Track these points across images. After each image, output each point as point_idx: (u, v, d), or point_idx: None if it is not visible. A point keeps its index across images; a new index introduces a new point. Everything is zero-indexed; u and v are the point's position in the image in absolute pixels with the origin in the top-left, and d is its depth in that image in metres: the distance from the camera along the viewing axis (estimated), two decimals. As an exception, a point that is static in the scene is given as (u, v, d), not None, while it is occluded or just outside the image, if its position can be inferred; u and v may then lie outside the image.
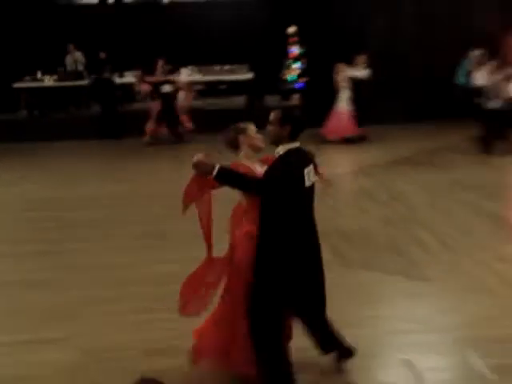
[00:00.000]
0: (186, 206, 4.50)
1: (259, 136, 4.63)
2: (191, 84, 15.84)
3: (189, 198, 4.50)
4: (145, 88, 15.38)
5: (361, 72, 13.94)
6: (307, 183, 4.35)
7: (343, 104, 13.91)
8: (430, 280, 6.54)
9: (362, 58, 13.95)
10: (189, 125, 14.94)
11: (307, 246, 4.45)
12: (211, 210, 4.58)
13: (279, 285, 4.33)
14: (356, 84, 13.85)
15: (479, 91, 12.93)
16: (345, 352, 4.78)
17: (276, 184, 4.22)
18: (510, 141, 12.42)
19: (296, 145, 4.39)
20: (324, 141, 13.70)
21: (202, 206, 4.55)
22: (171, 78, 14.96)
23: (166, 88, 14.73)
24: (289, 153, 4.35)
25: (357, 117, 13.89)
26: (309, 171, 4.38)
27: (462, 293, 6.18)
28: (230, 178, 4.35)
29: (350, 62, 14.06)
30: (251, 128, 4.65)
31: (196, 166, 4.38)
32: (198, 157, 4.38)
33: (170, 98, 14.80)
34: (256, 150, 4.63)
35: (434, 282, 6.50)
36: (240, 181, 4.35)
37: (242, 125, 4.68)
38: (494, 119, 12.39)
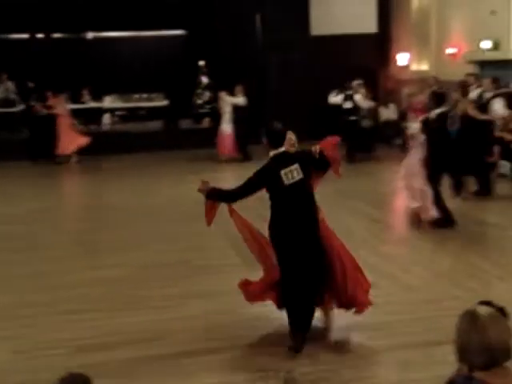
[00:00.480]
0: (209, 221, 5.13)
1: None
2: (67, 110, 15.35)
3: (208, 216, 5.11)
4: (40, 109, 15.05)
5: (239, 99, 14.25)
6: (286, 182, 4.76)
7: (225, 126, 14.17)
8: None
9: (239, 88, 14.28)
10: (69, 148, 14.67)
11: (293, 232, 4.80)
12: (245, 221, 5.19)
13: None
14: (236, 109, 14.21)
15: (354, 112, 13.71)
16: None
17: (253, 183, 4.87)
18: (376, 153, 13.43)
19: (280, 150, 4.83)
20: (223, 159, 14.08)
21: (237, 225, 5.19)
22: (50, 103, 14.77)
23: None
24: (272, 157, 4.86)
25: (240, 138, 14.13)
26: (287, 172, 4.76)
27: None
28: (216, 196, 4.99)
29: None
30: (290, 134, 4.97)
31: (199, 191, 4.98)
32: (199, 185, 4.96)
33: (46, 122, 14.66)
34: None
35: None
36: (222, 196, 5.05)
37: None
38: (364, 135, 13.31)
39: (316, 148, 4.93)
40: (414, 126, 8.42)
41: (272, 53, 16.55)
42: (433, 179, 8.04)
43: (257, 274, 6.67)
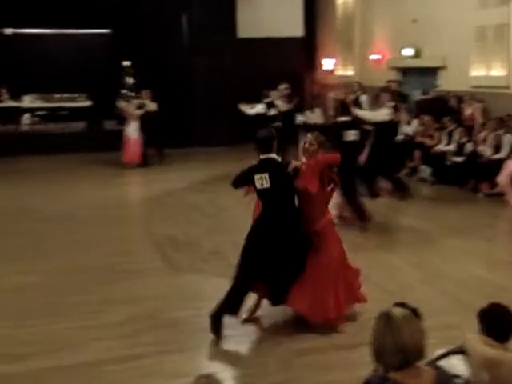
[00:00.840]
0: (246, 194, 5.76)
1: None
2: None
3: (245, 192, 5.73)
4: None
5: (150, 105, 14.25)
6: (258, 186, 5.19)
7: (132, 131, 14.01)
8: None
9: (146, 93, 14.27)
10: None
11: (263, 233, 5.24)
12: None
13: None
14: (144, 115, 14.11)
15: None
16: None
17: (238, 178, 5.43)
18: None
19: (266, 156, 5.23)
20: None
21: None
22: None
23: None
24: (258, 161, 5.27)
25: (152, 144, 14.06)
26: (259, 178, 5.17)
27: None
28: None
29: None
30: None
31: None
32: None
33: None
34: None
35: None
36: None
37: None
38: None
39: (294, 164, 5.19)
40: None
41: (198, 55, 16.56)
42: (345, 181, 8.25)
43: (184, 279, 6.72)
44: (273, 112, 14.14)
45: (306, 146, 5.50)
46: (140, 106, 14.12)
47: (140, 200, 10.73)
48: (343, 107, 9.11)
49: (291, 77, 16.11)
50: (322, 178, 5.27)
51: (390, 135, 10.58)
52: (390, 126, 10.52)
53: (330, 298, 5.25)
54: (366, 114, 10.32)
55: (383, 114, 10.41)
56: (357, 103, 12.67)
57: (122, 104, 14.35)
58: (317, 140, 5.54)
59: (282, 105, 14.24)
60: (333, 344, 5.12)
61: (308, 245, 5.28)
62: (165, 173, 13.35)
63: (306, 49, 18.10)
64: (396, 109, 10.82)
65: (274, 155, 5.30)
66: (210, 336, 5.21)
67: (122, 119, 14.66)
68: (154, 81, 15.60)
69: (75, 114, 16.95)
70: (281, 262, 5.23)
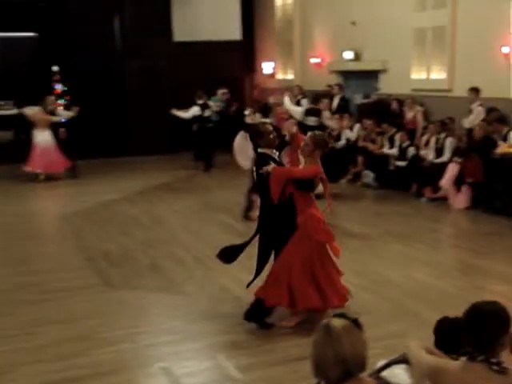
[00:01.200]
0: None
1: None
2: None
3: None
4: None
5: (65, 113, 14.14)
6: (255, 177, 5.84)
7: (43, 140, 13.63)
8: (187, 294, 6.69)
9: (50, 99, 14.00)
10: None
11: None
12: None
13: None
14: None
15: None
16: None
17: None
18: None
19: (262, 150, 5.76)
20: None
21: None
22: None
23: None
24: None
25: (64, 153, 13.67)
26: (252, 170, 5.89)
27: (214, 303, 6.39)
28: None
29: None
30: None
31: None
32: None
33: None
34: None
35: (189, 295, 6.66)
36: None
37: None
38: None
39: (267, 168, 5.53)
40: None
41: (132, 59, 16.42)
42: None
43: (120, 295, 6.62)
44: (207, 113, 14.43)
45: (302, 146, 5.69)
46: (51, 113, 13.75)
47: (71, 213, 10.50)
48: (265, 109, 9.71)
49: (230, 81, 16.20)
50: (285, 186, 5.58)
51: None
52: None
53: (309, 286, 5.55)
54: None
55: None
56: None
57: (28, 111, 13.83)
58: (312, 140, 5.62)
59: (215, 105, 14.65)
60: (277, 358, 5.12)
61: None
62: (97, 184, 13.14)
63: (244, 52, 18.19)
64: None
65: (262, 150, 5.77)
66: (154, 354, 5.15)
67: (54, 127, 14.33)
68: (86, 86, 15.36)
69: (1, 122, 16.49)
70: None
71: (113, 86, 16.24)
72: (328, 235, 5.70)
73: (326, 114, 12.45)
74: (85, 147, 14.49)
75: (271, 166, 5.54)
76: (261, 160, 5.69)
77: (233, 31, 17.64)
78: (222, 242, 8.57)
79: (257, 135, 5.89)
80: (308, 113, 12.08)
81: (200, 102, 14.44)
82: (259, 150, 5.84)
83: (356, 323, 2.57)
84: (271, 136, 5.75)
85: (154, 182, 13.13)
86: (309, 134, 5.81)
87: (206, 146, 14.42)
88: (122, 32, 16.75)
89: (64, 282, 7.10)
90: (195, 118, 14.45)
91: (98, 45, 16.23)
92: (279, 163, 5.76)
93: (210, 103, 14.65)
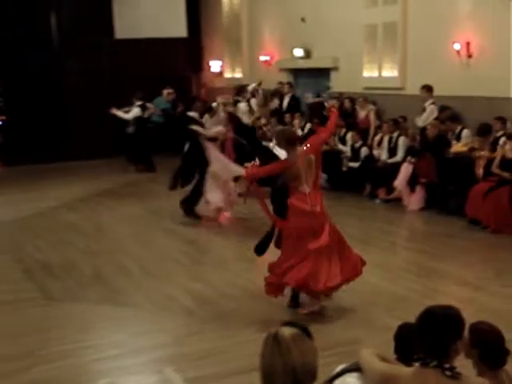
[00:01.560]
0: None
1: None
2: None
3: None
4: None
5: None
6: None
7: None
8: (133, 305, 6.64)
9: None
10: None
11: None
12: None
13: None
14: None
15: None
16: None
17: None
18: None
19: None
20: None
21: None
22: None
23: None
24: None
25: None
26: None
27: (162, 314, 6.35)
28: None
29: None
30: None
31: None
32: None
33: None
34: None
35: (136, 306, 6.61)
36: None
37: None
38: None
39: (252, 164, 6.44)
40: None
41: (71, 57, 16.18)
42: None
43: (62, 309, 6.53)
44: (147, 115, 14.52)
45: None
46: None
47: (5, 222, 10.28)
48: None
49: (177, 80, 16.15)
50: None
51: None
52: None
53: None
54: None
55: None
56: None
57: None
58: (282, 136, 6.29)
59: (152, 108, 14.78)
60: (225, 370, 5.12)
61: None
62: (34, 191, 12.86)
63: (191, 50, 18.16)
64: None
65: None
66: (99, 369, 5.13)
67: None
68: (21, 87, 15.10)
69: None
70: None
71: (50, 85, 15.96)
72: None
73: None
74: (18, 152, 14.23)
75: (244, 171, 6.50)
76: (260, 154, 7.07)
77: (178, 28, 17.54)
78: (167, 249, 8.65)
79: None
80: None
81: (138, 103, 14.40)
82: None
83: (306, 331, 2.58)
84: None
85: (96, 187, 12.97)
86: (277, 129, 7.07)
87: (144, 149, 14.45)
88: (59, 29, 16.50)
89: (0, 296, 6.96)
90: (133, 120, 14.40)
91: (33, 43, 15.95)
92: (273, 155, 6.88)
93: (149, 105, 14.66)
